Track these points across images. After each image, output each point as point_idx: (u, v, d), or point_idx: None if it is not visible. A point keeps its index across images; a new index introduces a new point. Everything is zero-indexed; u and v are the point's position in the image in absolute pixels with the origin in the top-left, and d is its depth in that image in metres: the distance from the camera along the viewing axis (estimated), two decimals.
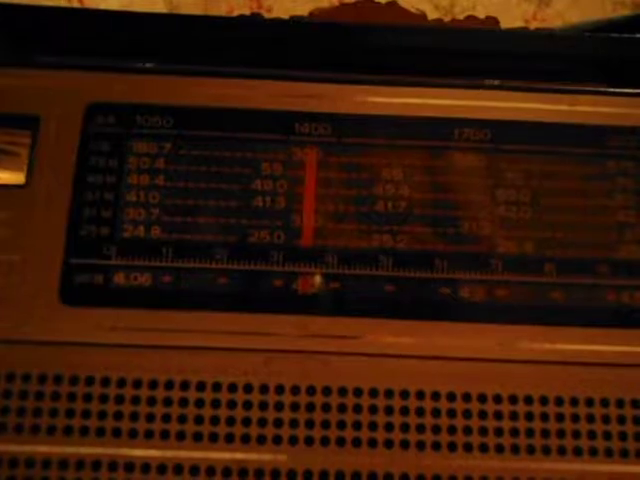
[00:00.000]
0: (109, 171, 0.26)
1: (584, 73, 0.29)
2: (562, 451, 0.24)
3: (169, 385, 0.24)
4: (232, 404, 0.24)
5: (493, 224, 0.26)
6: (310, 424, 0.24)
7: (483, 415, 0.24)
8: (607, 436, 0.24)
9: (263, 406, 0.24)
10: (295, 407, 0.24)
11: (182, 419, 0.23)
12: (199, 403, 0.24)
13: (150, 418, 0.23)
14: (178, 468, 0.23)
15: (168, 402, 0.24)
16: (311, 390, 0.24)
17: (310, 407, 0.24)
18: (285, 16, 0.32)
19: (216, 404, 0.24)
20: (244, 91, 0.28)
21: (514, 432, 0.24)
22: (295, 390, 0.24)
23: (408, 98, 0.28)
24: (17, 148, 0.26)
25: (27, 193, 0.26)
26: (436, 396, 0.24)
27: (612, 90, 0.28)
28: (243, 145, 0.27)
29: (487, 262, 0.26)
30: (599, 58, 0.30)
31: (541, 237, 0.26)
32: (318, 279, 0.25)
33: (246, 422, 0.24)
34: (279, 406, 0.24)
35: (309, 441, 0.23)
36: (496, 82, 0.28)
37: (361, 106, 0.28)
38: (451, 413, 0.24)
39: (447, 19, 0.37)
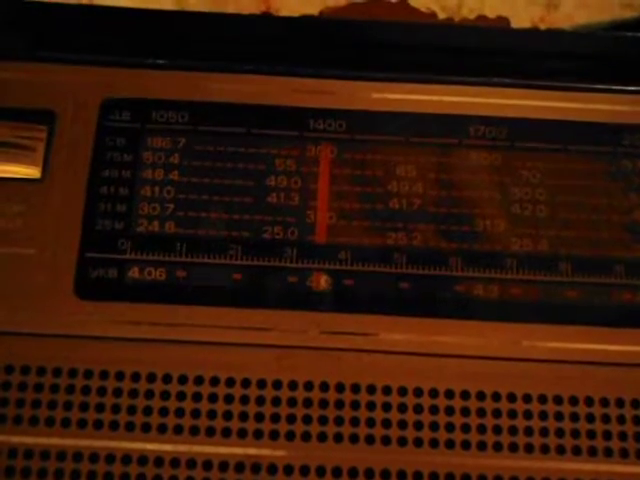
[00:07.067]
0: (124, 166, 0.26)
1: (599, 71, 0.29)
2: (577, 451, 0.23)
3: (182, 380, 0.24)
4: (245, 399, 0.24)
5: (508, 222, 0.26)
6: (323, 420, 0.24)
7: (497, 414, 0.24)
8: (622, 437, 0.24)
9: (276, 402, 0.24)
10: (308, 403, 0.24)
11: (195, 414, 0.23)
12: (212, 398, 0.24)
13: (163, 412, 0.23)
14: (191, 462, 0.23)
15: (181, 397, 0.24)
16: (324, 387, 0.24)
17: (323, 404, 0.24)
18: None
19: (229, 399, 0.24)
20: (259, 87, 0.28)
21: (528, 431, 0.24)
22: (308, 386, 0.24)
23: (423, 95, 0.28)
24: (33, 142, 0.26)
25: (43, 187, 0.26)
26: (450, 394, 0.24)
27: (627, 88, 0.28)
28: (257, 141, 0.27)
29: (502, 260, 0.26)
30: (614, 56, 0.30)
31: (556, 236, 0.26)
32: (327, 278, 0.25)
33: (259, 418, 0.23)
34: (292, 402, 0.24)
35: (322, 437, 0.23)
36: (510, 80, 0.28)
37: (376, 103, 0.28)
38: (465, 411, 0.24)
39: (456, 19, 0.37)
